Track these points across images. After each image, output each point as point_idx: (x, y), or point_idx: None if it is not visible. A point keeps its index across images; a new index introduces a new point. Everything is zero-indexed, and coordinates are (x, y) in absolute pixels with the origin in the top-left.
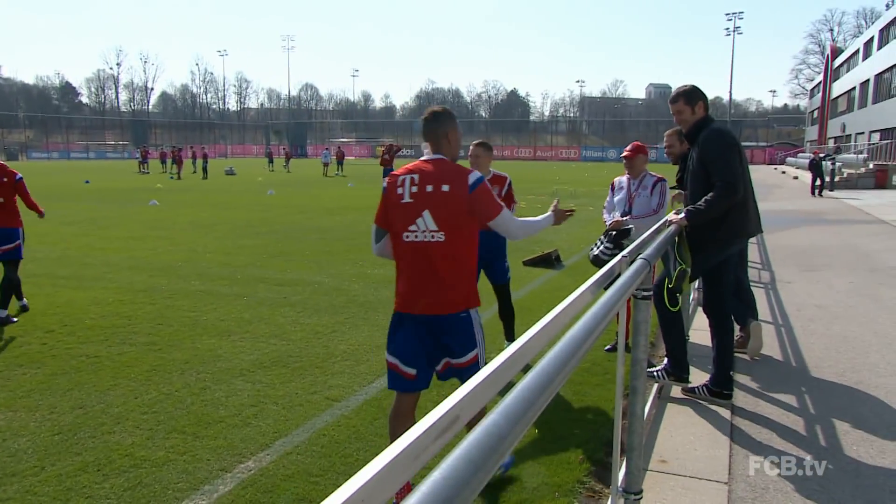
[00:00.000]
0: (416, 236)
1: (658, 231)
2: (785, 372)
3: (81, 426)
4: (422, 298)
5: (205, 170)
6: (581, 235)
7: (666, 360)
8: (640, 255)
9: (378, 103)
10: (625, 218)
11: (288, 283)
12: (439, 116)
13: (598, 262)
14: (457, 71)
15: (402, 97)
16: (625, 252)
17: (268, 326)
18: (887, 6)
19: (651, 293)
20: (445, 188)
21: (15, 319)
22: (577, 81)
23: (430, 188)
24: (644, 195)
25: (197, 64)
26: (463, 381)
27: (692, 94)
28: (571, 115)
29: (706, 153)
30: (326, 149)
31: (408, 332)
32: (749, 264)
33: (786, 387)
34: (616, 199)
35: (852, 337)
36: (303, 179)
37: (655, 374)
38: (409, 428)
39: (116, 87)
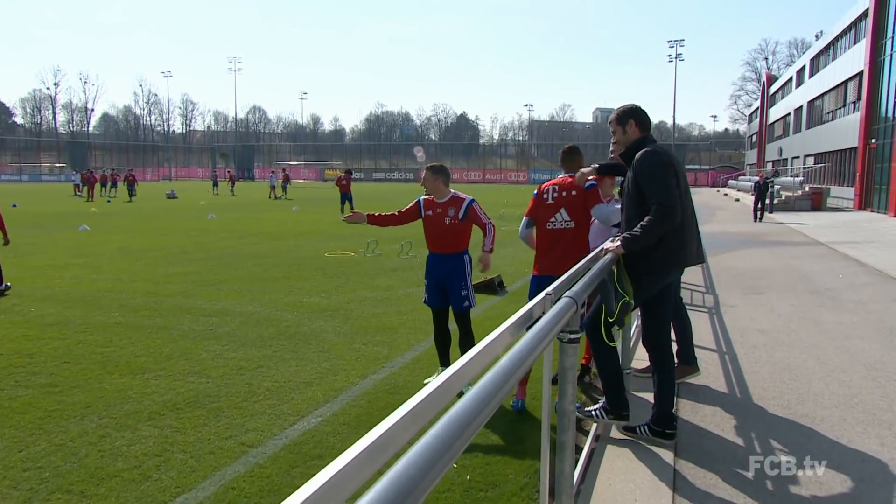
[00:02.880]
0: (555, 225)
1: (592, 261)
2: (730, 405)
3: None
4: (556, 266)
5: (130, 192)
6: (525, 260)
7: (604, 397)
8: (566, 293)
9: (327, 126)
10: None
11: (216, 313)
12: (573, 150)
13: None
14: (406, 94)
15: (352, 120)
16: (549, 289)
17: (187, 362)
18: (817, 37)
19: (578, 336)
20: (574, 193)
21: (9, 284)
22: (526, 105)
23: (564, 194)
24: (601, 224)
25: (140, 85)
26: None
27: (622, 114)
28: (520, 138)
29: (640, 174)
30: (272, 172)
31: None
32: (692, 288)
33: (731, 422)
34: None
35: (796, 365)
36: (247, 203)
37: (594, 413)
38: None
39: (54, 108)
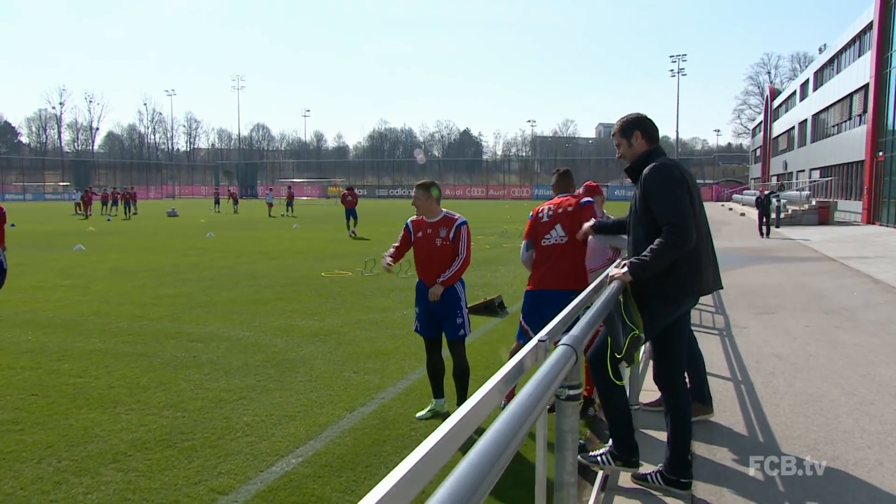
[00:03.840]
0: (550, 241)
1: (595, 292)
2: (751, 447)
3: None
4: (544, 279)
5: (126, 210)
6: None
7: (610, 441)
8: (562, 340)
9: (331, 143)
10: None
11: (203, 338)
12: (567, 173)
13: None
14: (409, 111)
15: (355, 137)
16: (542, 334)
17: (165, 394)
18: (820, 50)
19: (578, 392)
20: (570, 209)
21: None
22: (529, 121)
23: (560, 211)
24: (597, 238)
25: (145, 104)
26: None
27: (626, 125)
28: (523, 154)
29: (649, 192)
30: (270, 189)
31: (537, 305)
32: (701, 308)
33: (754, 468)
34: None
35: (819, 395)
36: (248, 221)
37: (599, 458)
38: None
39: (59, 127)
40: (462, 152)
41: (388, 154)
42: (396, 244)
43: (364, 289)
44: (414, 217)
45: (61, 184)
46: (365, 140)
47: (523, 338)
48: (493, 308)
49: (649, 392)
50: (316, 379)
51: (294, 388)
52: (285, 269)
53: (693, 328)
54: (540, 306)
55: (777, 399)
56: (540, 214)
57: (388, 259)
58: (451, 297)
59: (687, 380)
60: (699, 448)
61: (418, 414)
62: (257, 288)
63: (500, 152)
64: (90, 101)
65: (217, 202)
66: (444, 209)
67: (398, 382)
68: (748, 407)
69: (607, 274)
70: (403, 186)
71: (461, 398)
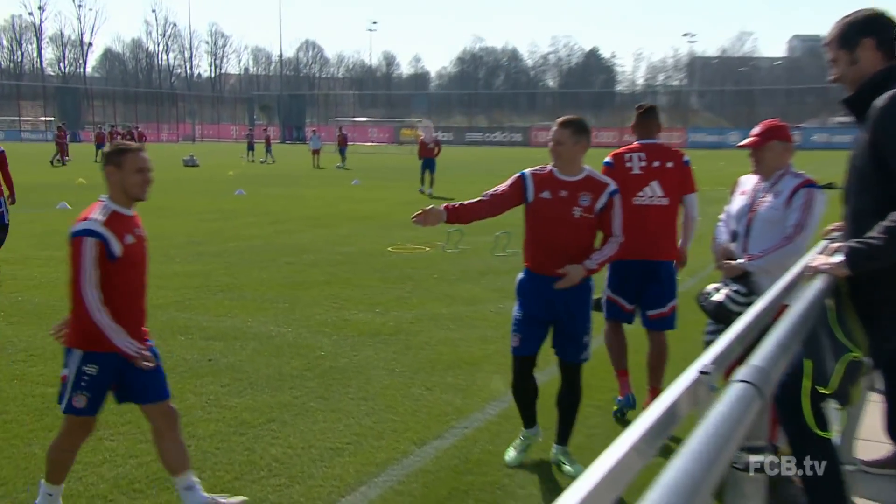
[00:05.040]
0: (643, 200)
1: (785, 293)
2: None
3: None
4: (649, 248)
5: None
6: None
7: None
8: (740, 374)
9: (405, 69)
10: (738, 261)
11: (223, 335)
12: (652, 110)
13: (722, 312)
14: (513, 24)
15: (439, 61)
16: (705, 362)
17: None
18: None
19: (764, 458)
20: (670, 165)
21: None
22: (685, 35)
23: (656, 164)
24: (773, 206)
25: (154, 10)
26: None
27: (849, 29)
28: (676, 83)
29: (884, 137)
30: (314, 131)
31: (621, 277)
32: None
33: None
34: (734, 208)
35: None
36: (291, 174)
37: None
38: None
39: (39, 41)
40: (586, 81)
41: (484, 84)
42: (491, 191)
43: (445, 271)
44: (538, 168)
45: (43, 119)
46: (452, 65)
47: (613, 313)
48: (598, 305)
49: (876, 444)
50: (374, 397)
51: (343, 410)
52: (339, 241)
53: None
54: (624, 280)
55: None
56: (628, 164)
57: (442, 209)
58: (584, 298)
59: None
60: None
61: (508, 457)
62: (300, 267)
63: (641, 81)
64: (80, 7)
65: (251, 148)
66: (587, 166)
67: (487, 406)
68: None
69: (806, 265)
70: (504, 129)
71: (564, 434)
